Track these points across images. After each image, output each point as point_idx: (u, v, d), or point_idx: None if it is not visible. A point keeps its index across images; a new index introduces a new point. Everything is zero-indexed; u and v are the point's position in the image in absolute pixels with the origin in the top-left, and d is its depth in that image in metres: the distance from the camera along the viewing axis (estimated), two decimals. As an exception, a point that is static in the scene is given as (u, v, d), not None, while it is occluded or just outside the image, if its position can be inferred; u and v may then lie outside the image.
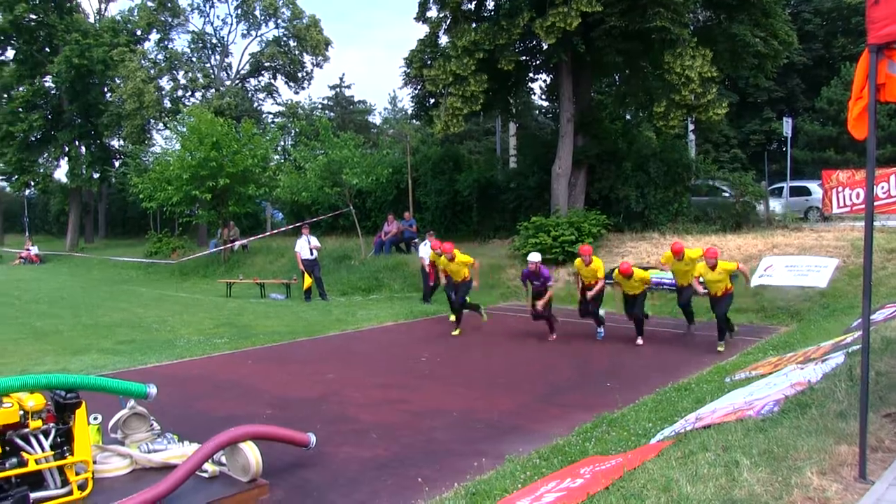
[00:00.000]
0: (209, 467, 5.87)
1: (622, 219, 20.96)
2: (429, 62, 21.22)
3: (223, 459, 6.05)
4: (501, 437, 7.27)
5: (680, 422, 6.71)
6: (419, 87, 23.10)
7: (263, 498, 5.77)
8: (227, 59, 37.72)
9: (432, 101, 22.73)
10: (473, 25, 20.06)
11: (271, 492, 5.89)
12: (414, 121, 34.98)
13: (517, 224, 20.61)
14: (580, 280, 12.79)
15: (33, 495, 5.31)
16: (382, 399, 8.90)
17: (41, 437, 5.50)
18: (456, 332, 13.32)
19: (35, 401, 5.52)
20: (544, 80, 25.64)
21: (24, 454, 5.37)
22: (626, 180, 21.05)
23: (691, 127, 23.44)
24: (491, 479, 5.88)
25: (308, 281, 18.89)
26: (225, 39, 37.28)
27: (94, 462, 5.75)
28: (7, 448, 5.35)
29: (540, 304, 12.38)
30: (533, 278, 12.60)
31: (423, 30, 22.28)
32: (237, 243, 27.24)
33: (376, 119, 43.05)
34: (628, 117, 24.25)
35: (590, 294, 12.36)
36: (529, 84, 25.89)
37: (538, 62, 23.17)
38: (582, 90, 21.57)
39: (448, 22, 21.07)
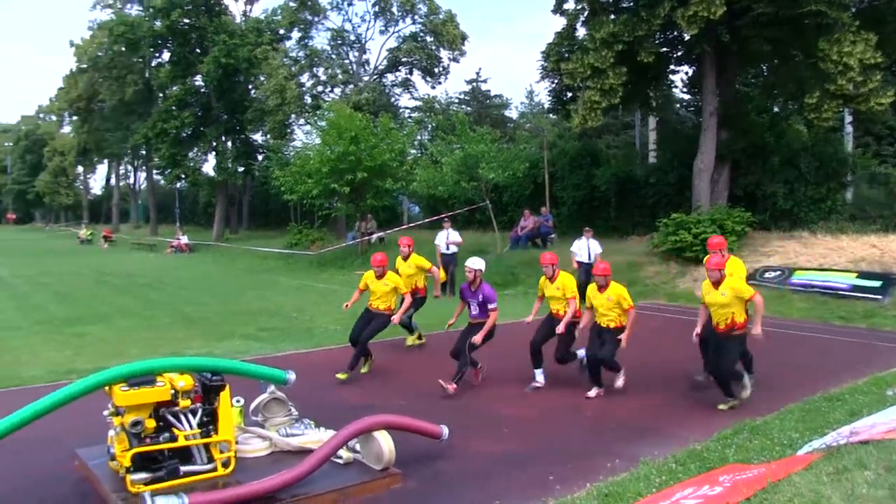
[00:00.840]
0: (344, 454, 6.21)
1: (768, 216, 20.23)
2: (566, 55, 21.15)
3: (357, 447, 6.35)
4: (635, 438, 7.19)
5: (831, 434, 6.38)
6: (556, 81, 23.06)
7: (396, 487, 5.98)
8: (364, 56, 38.76)
9: (569, 94, 22.64)
10: (612, 17, 19.86)
11: (403, 481, 6.04)
12: (551, 115, 34.79)
13: (656, 220, 20.28)
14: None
15: (182, 468, 5.82)
16: (517, 394, 8.97)
17: (189, 416, 5.99)
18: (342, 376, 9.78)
19: (185, 381, 6.00)
20: (686, 73, 24.98)
21: (174, 430, 5.89)
22: (774, 176, 20.31)
23: (848, 119, 22.17)
24: (624, 481, 5.85)
25: (443, 275, 19.16)
26: (363, 36, 38.31)
27: (236, 442, 6.22)
28: (161, 424, 5.86)
29: (477, 337, 9.01)
30: (469, 297, 9.48)
31: (560, 22, 22.23)
32: (374, 236, 28.02)
33: (513, 114, 43.26)
34: (776, 110, 23.28)
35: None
36: (670, 76, 25.31)
37: (679, 53, 22.63)
38: (726, 82, 20.92)
39: (586, 14, 20.95)
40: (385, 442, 6.05)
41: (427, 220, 28.76)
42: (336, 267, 26.38)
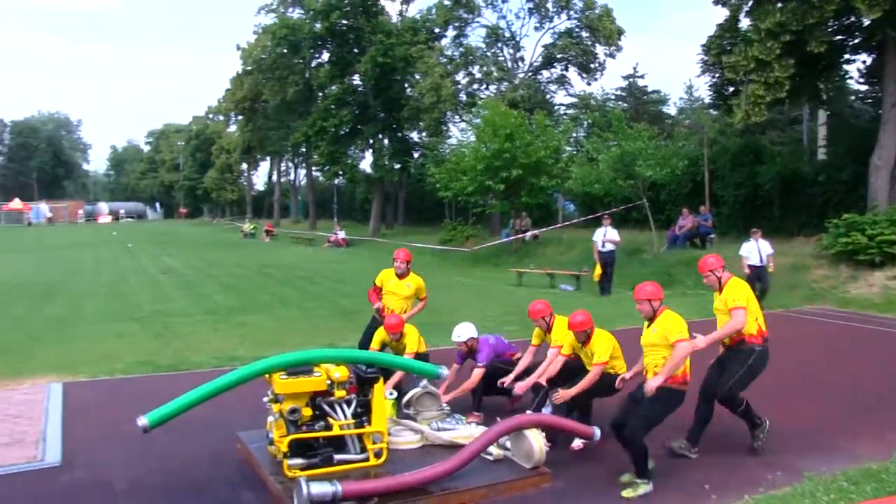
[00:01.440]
0: (494, 451, 6.31)
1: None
2: (728, 48, 20.70)
3: (508, 444, 6.42)
4: (799, 450, 6.83)
5: None
6: (718, 75, 22.61)
7: (545, 486, 6.02)
8: (519, 53, 39.11)
9: (731, 89, 22.14)
10: (779, 5, 19.20)
11: (553, 481, 6.06)
12: (711, 111, 33.92)
13: (825, 221, 19.41)
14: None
15: (336, 457, 6.11)
16: None
17: (344, 406, 6.28)
18: None
19: (340, 373, 6.32)
20: (863, 62, 23.74)
21: (330, 419, 6.20)
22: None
23: None
24: (786, 496, 5.61)
25: (598, 273, 19.16)
26: (517, 33, 38.64)
27: (389, 434, 6.44)
28: (317, 412, 6.18)
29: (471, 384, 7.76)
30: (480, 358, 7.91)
31: (722, 13, 21.77)
32: (528, 233, 28.32)
33: (671, 110, 42.39)
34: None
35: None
36: (844, 67, 24.14)
37: (856, 41, 21.56)
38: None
39: (750, 3, 20.38)
40: (535, 440, 6.11)
41: (582, 218, 28.77)
42: (490, 264, 26.84)
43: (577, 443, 6.98)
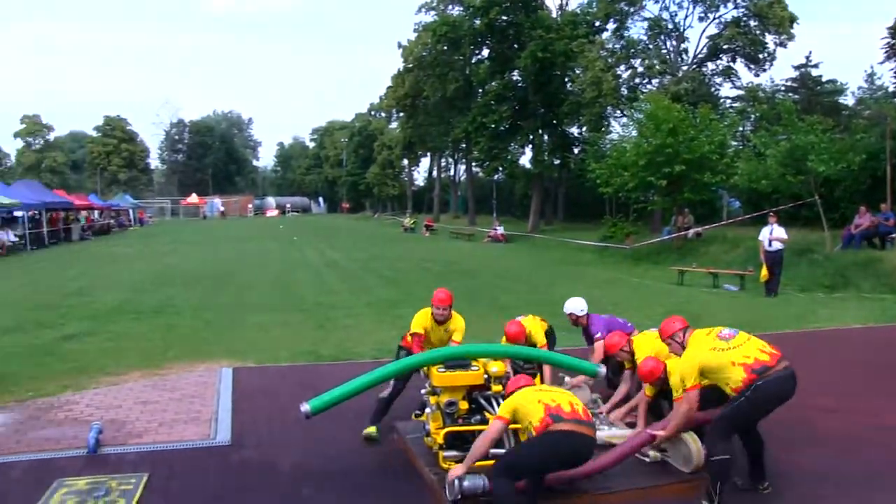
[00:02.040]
0: (651, 453, 6.28)
1: None
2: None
3: (665, 447, 6.30)
4: None
5: None
6: (904, 61, 21.41)
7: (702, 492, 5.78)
8: (683, 44, 38.28)
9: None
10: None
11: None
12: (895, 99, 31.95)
13: None
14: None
15: (491, 451, 5.97)
16: (840, 406, 8.29)
17: (501, 401, 6.16)
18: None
19: (498, 367, 6.46)
20: None
21: (486, 413, 6.29)
22: None
23: None
24: None
25: (765, 274, 18.71)
26: (681, 24, 37.84)
27: None
28: (473, 406, 6.35)
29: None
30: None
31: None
32: (691, 231, 27.86)
33: (848, 100, 40.14)
34: None
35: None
36: None
37: None
38: None
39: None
40: (694, 444, 5.97)
41: (748, 215, 27.96)
42: (651, 262, 26.60)
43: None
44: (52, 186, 63.88)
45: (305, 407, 6.07)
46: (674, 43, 38.24)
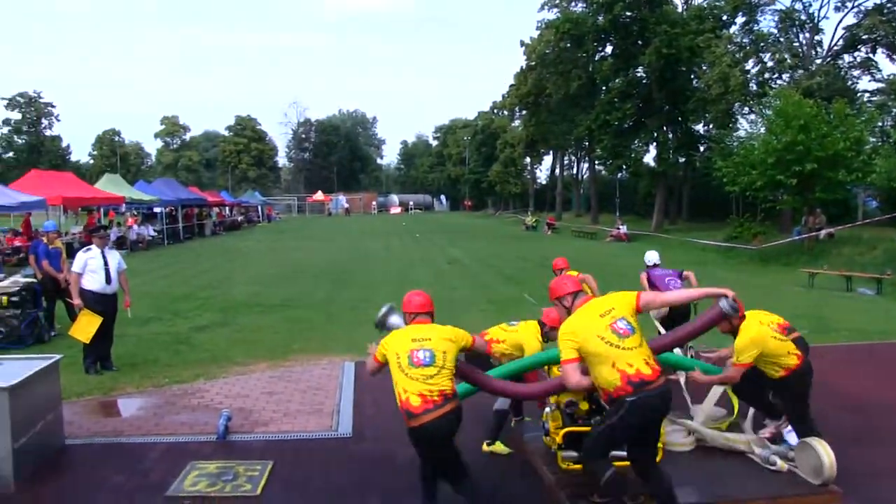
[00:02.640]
0: (779, 462, 6.11)
1: None
2: None
3: (792, 455, 6.14)
4: None
5: None
6: None
7: None
8: (817, 37, 36.94)
9: None
10: None
11: (843, 501, 5.65)
12: None
13: None
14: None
15: (611, 452, 6.06)
16: None
17: None
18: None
19: None
20: None
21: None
22: None
23: None
24: None
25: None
26: (815, 15, 36.54)
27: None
28: (593, 407, 6.23)
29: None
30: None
31: None
32: (823, 232, 27.01)
33: None
34: None
35: None
36: None
37: None
38: None
39: None
40: (825, 454, 5.71)
41: (886, 216, 26.85)
42: (779, 263, 25.92)
43: (768, 429, 6.68)
44: (187, 184, 67.49)
45: None
46: (807, 35, 36.99)
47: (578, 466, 5.89)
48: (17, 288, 11.42)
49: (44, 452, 6.56)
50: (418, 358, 5.32)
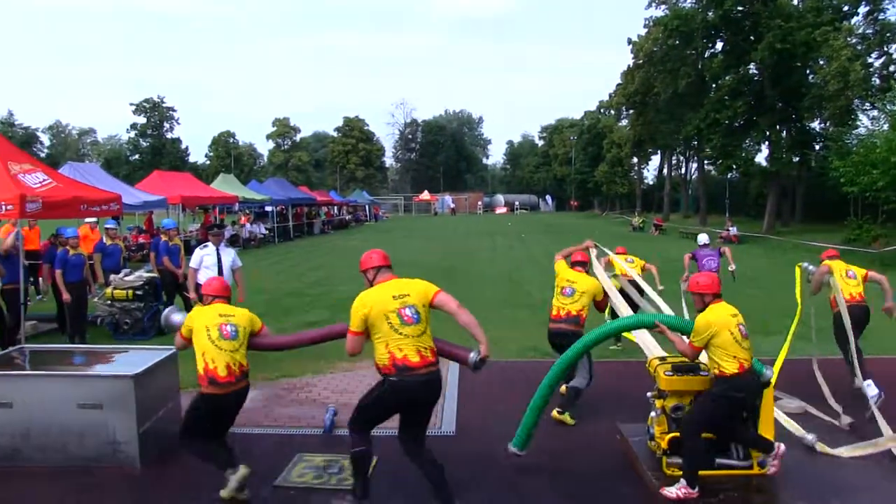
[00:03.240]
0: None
1: None
2: None
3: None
4: None
5: None
6: None
7: None
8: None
9: None
10: None
11: None
12: None
13: None
14: None
15: (717, 460, 6.12)
16: None
17: None
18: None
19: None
20: None
21: None
22: None
23: None
24: None
25: None
26: (953, 2, 34.49)
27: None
28: None
29: None
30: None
31: None
32: (950, 235, 25.51)
33: None
34: None
35: None
36: None
37: None
38: None
39: None
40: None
41: None
42: (902, 267, 24.60)
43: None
44: (297, 183, 69.36)
45: (513, 449, 6.55)
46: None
47: (680, 473, 5.94)
48: (141, 282, 11.93)
49: (164, 438, 6.94)
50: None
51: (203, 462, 6.01)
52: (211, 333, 5.91)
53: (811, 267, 9.44)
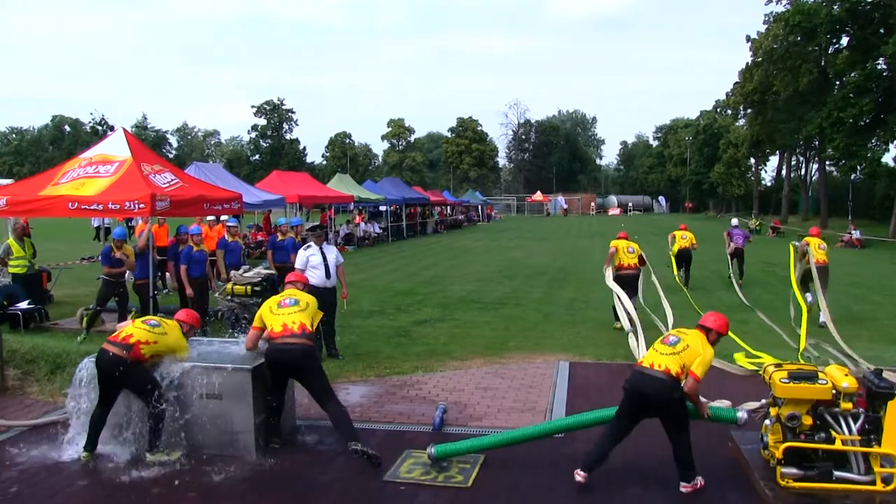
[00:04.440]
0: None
1: None
2: None
3: None
4: None
5: None
6: None
7: None
8: None
9: None
10: None
11: None
12: None
13: None
14: None
15: (836, 473, 5.80)
16: None
17: (850, 420, 5.86)
18: None
19: (849, 383, 5.88)
20: None
21: (832, 432, 5.86)
22: None
23: None
24: None
25: None
26: None
27: None
28: (818, 422, 5.90)
29: None
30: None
31: None
32: None
33: None
34: None
35: None
36: None
37: None
38: None
39: None
40: None
41: None
42: None
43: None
44: (411, 184, 70.11)
45: (431, 451, 6.67)
46: None
47: (798, 485, 5.80)
48: (259, 279, 12.37)
49: (279, 429, 7.23)
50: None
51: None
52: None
53: (797, 243, 14.62)
